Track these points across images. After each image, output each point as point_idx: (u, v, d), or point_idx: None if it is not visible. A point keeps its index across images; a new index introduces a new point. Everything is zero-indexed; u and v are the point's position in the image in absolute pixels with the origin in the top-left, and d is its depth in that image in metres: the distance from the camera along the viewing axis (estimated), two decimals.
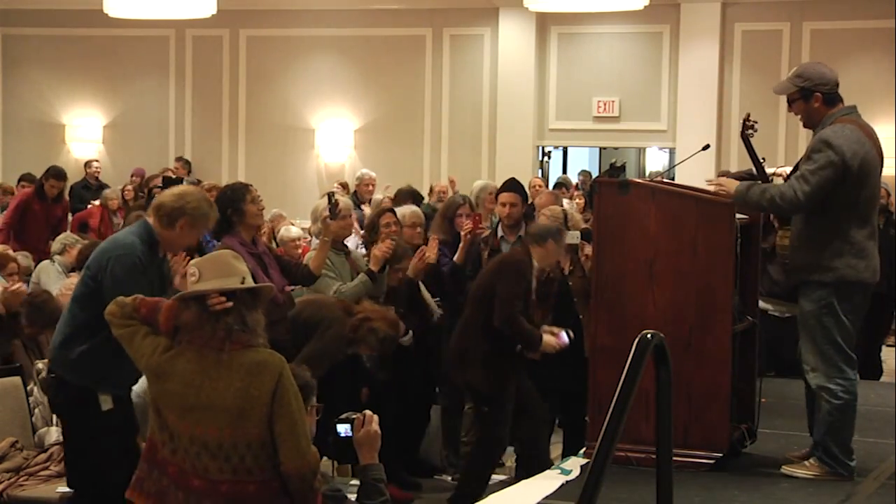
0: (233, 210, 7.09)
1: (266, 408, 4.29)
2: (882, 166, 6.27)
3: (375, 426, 4.71)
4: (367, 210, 12.66)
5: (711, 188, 6.36)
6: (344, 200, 8.71)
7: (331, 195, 7.88)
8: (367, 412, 4.76)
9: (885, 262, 6.42)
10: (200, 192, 6.12)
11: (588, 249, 8.33)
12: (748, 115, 6.92)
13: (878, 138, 6.22)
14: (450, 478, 8.34)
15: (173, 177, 15.58)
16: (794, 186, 6.04)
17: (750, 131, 6.86)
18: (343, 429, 4.69)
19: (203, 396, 4.30)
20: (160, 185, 13.69)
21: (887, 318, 11.12)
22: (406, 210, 9.20)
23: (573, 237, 8.18)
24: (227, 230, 7.11)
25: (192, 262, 4.60)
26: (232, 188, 7.43)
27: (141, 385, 5.75)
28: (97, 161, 18.30)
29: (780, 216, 6.58)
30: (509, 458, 8.47)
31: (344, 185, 17.15)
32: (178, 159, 18.50)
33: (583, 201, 14.41)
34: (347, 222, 8.22)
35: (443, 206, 9.59)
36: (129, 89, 19.48)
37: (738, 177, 7.18)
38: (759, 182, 6.48)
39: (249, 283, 4.48)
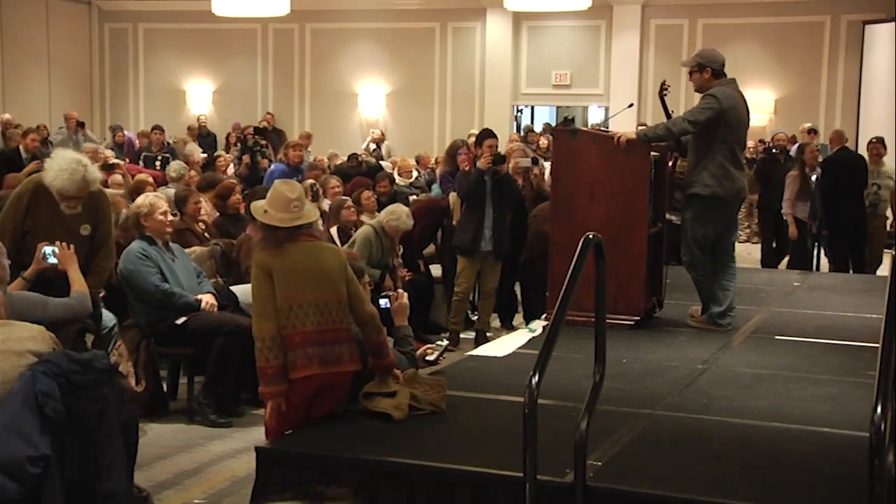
0: None
1: (342, 274, 4.20)
2: (749, 120, 6.24)
3: (405, 299, 4.76)
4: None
5: (622, 140, 6.24)
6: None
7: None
8: (399, 290, 4.83)
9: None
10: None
11: (536, 171, 8.40)
12: (664, 81, 6.80)
13: (746, 101, 6.18)
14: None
15: (261, 126, 15.51)
16: (683, 116, 6.05)
17: (665, 92, 6.77)
18: (383, 302, 4.73)
19: (311, 267, 4.14)
20: (252, 132, 13.62)
21: (810, 246, 10.17)
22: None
23: (526, 162, 8.19)
24: None
25: (260, 202, 4.27)
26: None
27: None
28: (204, 115, 18.40)
29: (676, 143, 6.46)
30: (495, 319, 8.47)
31: (382, 134, 17.04)
32: (269, 113, 18.37)
33: (547, 143, 14.33)
34: (392, 225, 7.61)
35: (449, 147, 9.52)
36: (229, 65, 19.28)
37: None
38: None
39: (303, 201, 4.24)
